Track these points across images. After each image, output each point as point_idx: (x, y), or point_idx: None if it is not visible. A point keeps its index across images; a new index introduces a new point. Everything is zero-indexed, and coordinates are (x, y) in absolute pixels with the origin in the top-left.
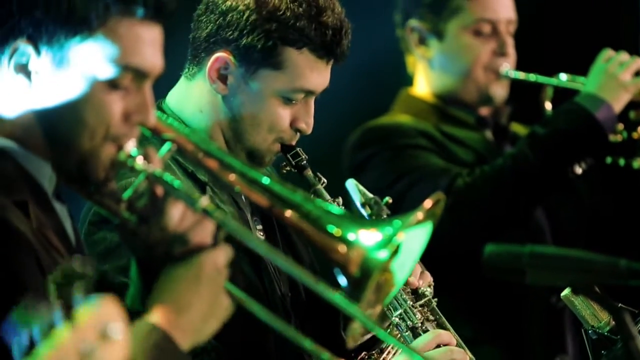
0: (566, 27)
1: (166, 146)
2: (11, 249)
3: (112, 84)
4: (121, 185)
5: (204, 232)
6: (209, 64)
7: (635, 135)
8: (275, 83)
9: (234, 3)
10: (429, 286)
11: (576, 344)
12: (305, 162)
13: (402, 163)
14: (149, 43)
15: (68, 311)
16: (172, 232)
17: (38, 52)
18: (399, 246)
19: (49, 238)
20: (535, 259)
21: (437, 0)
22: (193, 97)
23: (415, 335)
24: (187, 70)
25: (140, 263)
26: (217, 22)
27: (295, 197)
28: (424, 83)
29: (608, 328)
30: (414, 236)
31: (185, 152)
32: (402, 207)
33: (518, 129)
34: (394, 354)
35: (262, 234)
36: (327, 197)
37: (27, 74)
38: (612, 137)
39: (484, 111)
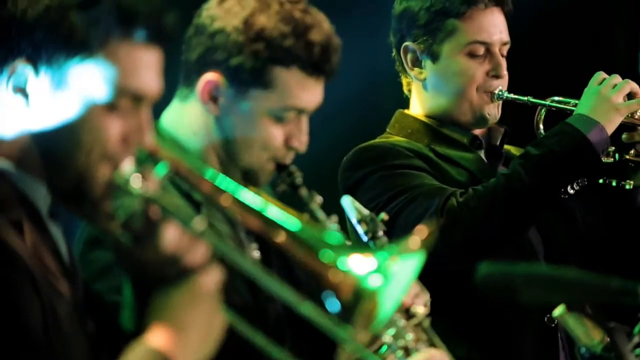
0: (560, 50)
1: (162, 168)
2: (8, 270)
3: (110, 106)
4: (117, 205)
5: (198, 254)
6: (200, 85)
7: (627, 157)
8: (266, 102)
9: (221, 25)
10: (425, 305)
11: None
12: (300, 180)
13: (396, 183)
14: (148, 66)
15: None
16: (166, 253)
17: (37, 72)
18: (391, 273)
19: (43, 258)
20: (528, 278)
21: (431, 22)
22: (186, 119)
23: (408, 354)
24: (179, 92)
25: (134, 283)
26: (206, 44)
27: (289, 220)
28: (418, 104)
29: (601, 347)
30: (407, 262)
31: (180, 174)
32: (395, 227)
33: (512, 150)
34: None
35: (257, 252)
36: (322, 215)
37: (25, 95)
38: (605, 159)
39: (478, 132)
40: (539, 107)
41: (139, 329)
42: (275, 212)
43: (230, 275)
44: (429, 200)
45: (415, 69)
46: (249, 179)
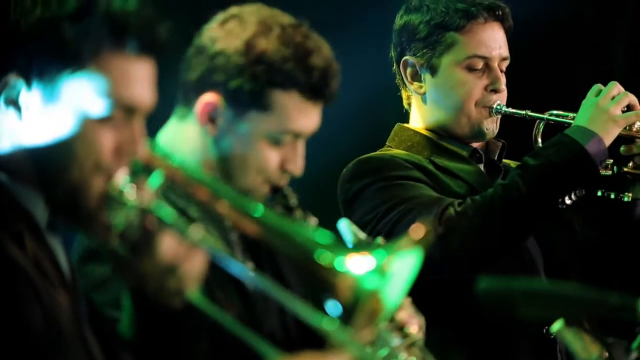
0: (559, 64)
1: (157, 177)
2: (11, 280)
3: (103, 118)
4: (114, 216)
5: (196, 262)
6: (199, 106)
7: (625, 169)
8: (263, 125)
9: (223, 46)
10: (420, 327)
11: None
12: (294, 202)
13: (394, 194)
14: (140, 78)
15: None
16: (164, 262)
17: (29, 85)
18: (389, 273)
19: (44, 269)
20: (527, 294)
21: (431, 35)
22: (183, 138)
23: None
24: (177, 111)
25: (133, 293)
26: (206, 64)
27: (287, 226)
28: (418, 117)
29: None
30: (405, 262)
31: (176, 183)
32: (393, 237)
33: (511, 164)
34: None
35: (250, 264)
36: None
37: (18, 108)
38: (603, 172)
39: (477, 145)
40: (537, 121)
41: (138, 339)
42: (271, 217)
43: (225, 288)
44: (427, 209)
45: (415, 82)
46: None
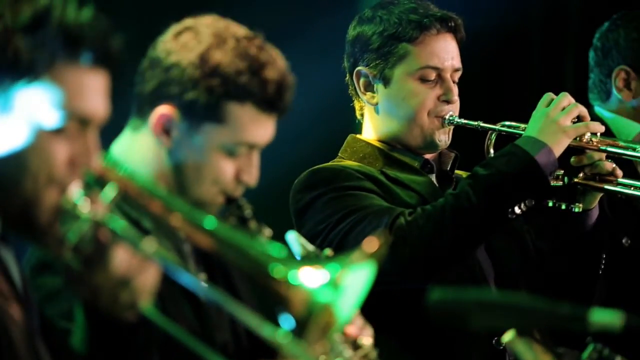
0: (510, 76)
1: (110, 189)
2: None
3: (56, 130)
4: (67, 229)
5: (150, 275)
6: (153, 118)
7: (576, 180)
8: (218, 137)
9: (177, 59)
10: (370, 338)
11: None
12: (249, 213)
13: (346, 204)
14: (94, 89)
15: None
16: (117, 276)
17: None
18: (342, 287)
19: None
20: (479, 305)
21: (383, 46)
22: (137, 150)
23: None
24: (131, 122)
25: (86, 307)
26: (161, 77)
27: (240, 239)
28: (371, 128)
29: None
30: (358, 275)
31: (129, 195)
32: (345, 246)
33: (463, 175)
34: None
35: (204, 275)
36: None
37: None
38: (554, 182)
39: (429, 157)
40: (490, 132)
41: (90, 352)
42: (224, 230)
43: (178, 300)
44: (378, 219)
45: (368, 93)
46: None
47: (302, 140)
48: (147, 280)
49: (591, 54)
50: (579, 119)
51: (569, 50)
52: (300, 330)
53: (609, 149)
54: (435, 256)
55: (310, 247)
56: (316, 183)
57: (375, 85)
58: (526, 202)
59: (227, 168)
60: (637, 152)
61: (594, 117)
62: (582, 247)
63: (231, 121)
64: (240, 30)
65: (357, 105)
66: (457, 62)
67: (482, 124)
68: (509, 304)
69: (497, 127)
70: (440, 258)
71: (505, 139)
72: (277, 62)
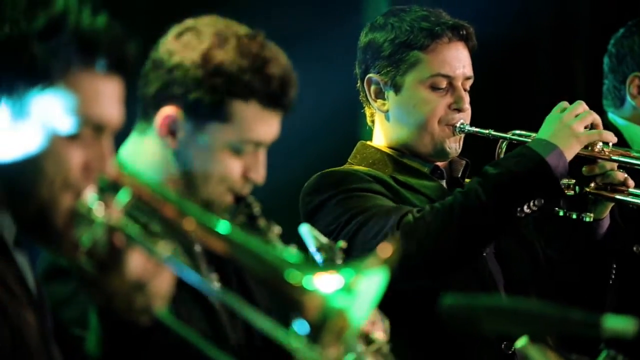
0: (522, 85)
1: (124, 195)
2: None
3: (71, 136)
4: (82, 233)
5: (164, 280)
6: (158, 119)
7: (587, 189)
8: (224, 135)
9: (179, 59)
10: (384, 332)
11: None
12: (258, 211)
13: (354, 205)
14: (108, 96)
15: None
16: (131, 280)
17: None
18: (356, 292)
19: (10, 287)
20: (491, 310)
21: (395, 54)
22: (144, 152)
23: None
24: (137, 125)
25: (100, 311)
26: (164, 78)
27: (254, 244)
28: (381, 135)
29: None
30: (372, 280)
31: (142, 200)
32: (354, 245)
33: None
34: None
35: (218, 284)
36: (281, 245)
37: None
38: (566, 192)
39: (440, 164)
40: (500, 141)
41: (105, 356)
42: (239, 235)
43: (190, 303)
44: (386, 217)
45: (379, 100)
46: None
47: (312, 146)
48: (162, 284)
49: (606, 60)
50: (592, 127)
51: (578, 58)
52: (314, 336)
53: (621, 159)
54: (442, 253)
55: (324, 239)
56: (326, 186)
57: (386, 93)
58: (535, 201)
59: (234, 166)
60: None
61: (608, 124)
62: (593, 256)
63: (236, 119)
64: (241, 28)
65: (368, 112)
66: (468, 71)
67: (493, 133)
68: (522, 310)
69: (508, 135)
70: (447, 255)
71: (516, 147)
72: (279, 59)
